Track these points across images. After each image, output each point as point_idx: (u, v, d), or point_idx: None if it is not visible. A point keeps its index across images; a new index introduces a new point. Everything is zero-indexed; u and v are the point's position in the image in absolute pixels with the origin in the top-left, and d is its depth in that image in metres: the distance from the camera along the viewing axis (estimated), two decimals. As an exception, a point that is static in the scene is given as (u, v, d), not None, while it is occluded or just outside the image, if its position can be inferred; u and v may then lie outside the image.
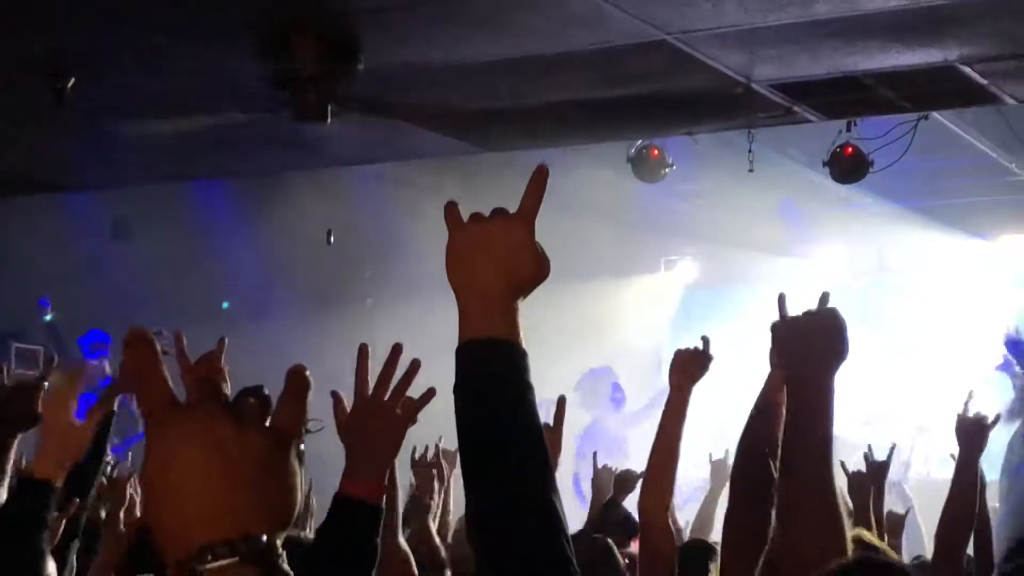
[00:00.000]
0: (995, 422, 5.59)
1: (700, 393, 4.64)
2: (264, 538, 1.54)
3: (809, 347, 2.67)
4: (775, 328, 2.80)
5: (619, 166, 11.96)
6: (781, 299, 3.24)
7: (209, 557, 1.51)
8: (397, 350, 3.16)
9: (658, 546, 4.50)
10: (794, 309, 3.59)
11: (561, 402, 4.05)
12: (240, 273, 14.05)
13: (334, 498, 2.99)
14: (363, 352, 3.15)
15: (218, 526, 1.53)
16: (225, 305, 13.93)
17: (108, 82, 8.55)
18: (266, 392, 1.66)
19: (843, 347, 2.69)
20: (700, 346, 4.63)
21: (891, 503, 6.88)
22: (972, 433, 5.43)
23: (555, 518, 1.94)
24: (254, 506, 1.55)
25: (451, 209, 2.13)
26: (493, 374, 2.01)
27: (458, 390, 2.03)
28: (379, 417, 3.07)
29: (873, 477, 6.18)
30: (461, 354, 2.03)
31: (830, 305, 3.02)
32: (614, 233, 15.67)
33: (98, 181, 11.79)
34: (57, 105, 8.29)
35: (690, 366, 4.61)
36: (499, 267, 2.05)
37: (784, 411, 2.93)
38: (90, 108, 8.91)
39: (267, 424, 1.61)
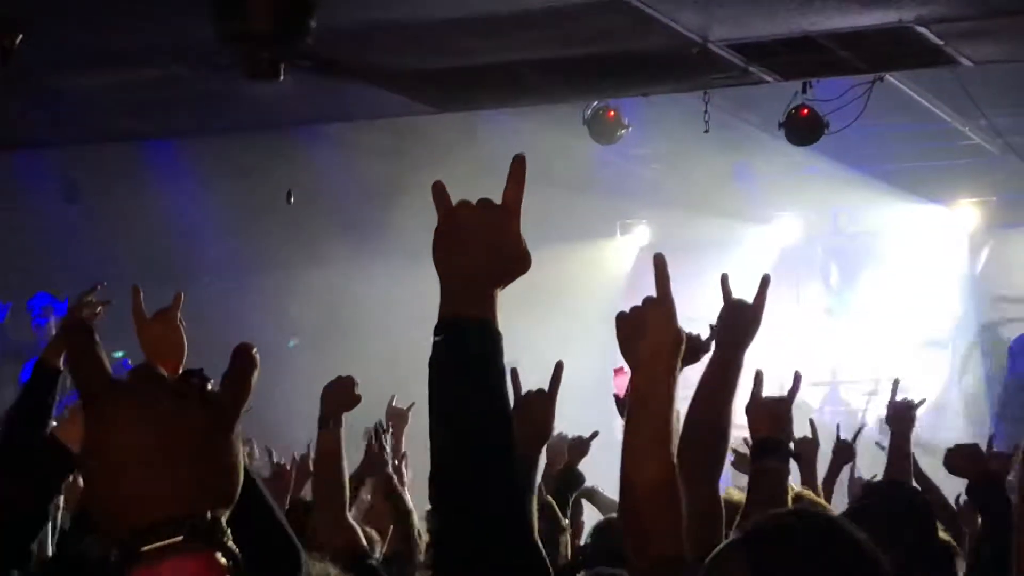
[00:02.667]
0: (921, 403, 6.15)
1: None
2: (208, 516, 1.51)
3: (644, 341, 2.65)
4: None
5: (574, 128, 11.93)
6: (724, 280, 3.55)
7: (152, 535, 1.48)
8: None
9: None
10: (749, 275, 3.62)
11: (558, 368, 4.01)
12: (193, 233, 13.94)
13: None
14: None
15: (160, 505, 1.50)
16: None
17: (57, 39, 8.44)
18: (206, 373, 1.64)
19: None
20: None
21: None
22: (902, 417, 6.00)
23: (516, 489, 2.06)
24: (196, 484, 1.53)
25: (440, 192, 2.21)
26: (469, 351, 2.12)
27: (434, 363, 2.13)
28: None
29: (842, 455, 6.85)
30: (440, 328, 2.14)
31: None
32: (569, 197, 15.66)
33: (48, 140, 11.67)
34: (4, 63, 8.18)
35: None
36: (485, 255, 2.17)
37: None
38: (39, 66, 8.79)
39: (209, 402, 1.59)
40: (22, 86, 9.46)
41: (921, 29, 8.23)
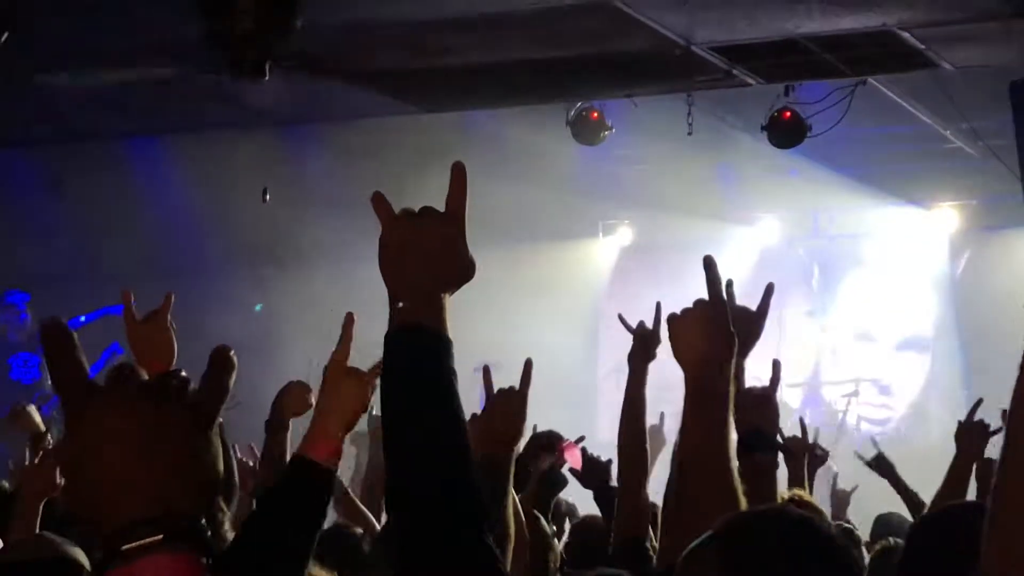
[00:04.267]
0: (997, 431, 5.54)
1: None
2: (188, 515, 1.56)
3: (700, 342, 2.68)
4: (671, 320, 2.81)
5: (558, 129, 11.94)
6: (729, 285, 3.23)
7: (133, 534, 1.53)
8: (350, 319, 3.20)
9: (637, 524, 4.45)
10: (731, 275, 3.64)
11: (528, 365, 4.03)
12: (173, 230, 13.90)
13: (291, 460, 2.98)
14: (349, 319, 3.21)
15: (140, 504, 1.54)
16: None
17: (42, 36, 8.43)
18: (184, 374, 1.67)
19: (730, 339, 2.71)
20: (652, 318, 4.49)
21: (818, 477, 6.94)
22: (974, 439, 5.43)
23: (471, 492, 2.06)
24: (176, 483, 1.56)
25: (380, 201, 2.20)
26: (419, 361, 2.11)
27: (385, 374, 2.14)
28: (351, 376, 3.05)
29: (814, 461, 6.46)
30: (390, 340, 2.14)
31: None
32: (552, 197, 15.68)
33: (31, 136, 11.64)
34: (-10, 59, 8.17)
35: (645, 349, 4.45)
36: (428, 264, 2.14)
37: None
38: (23, 62, 8.78)
39: (187, 403, 1.62)
40: (6, 83, 9.45)
41: (903, 33, 8.28)
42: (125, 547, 1.52)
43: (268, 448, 4.79)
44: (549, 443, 6.42)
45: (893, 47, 8.49)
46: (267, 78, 8.31)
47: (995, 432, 5.37)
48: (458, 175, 2.19)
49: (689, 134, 10.60)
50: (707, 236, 15.73)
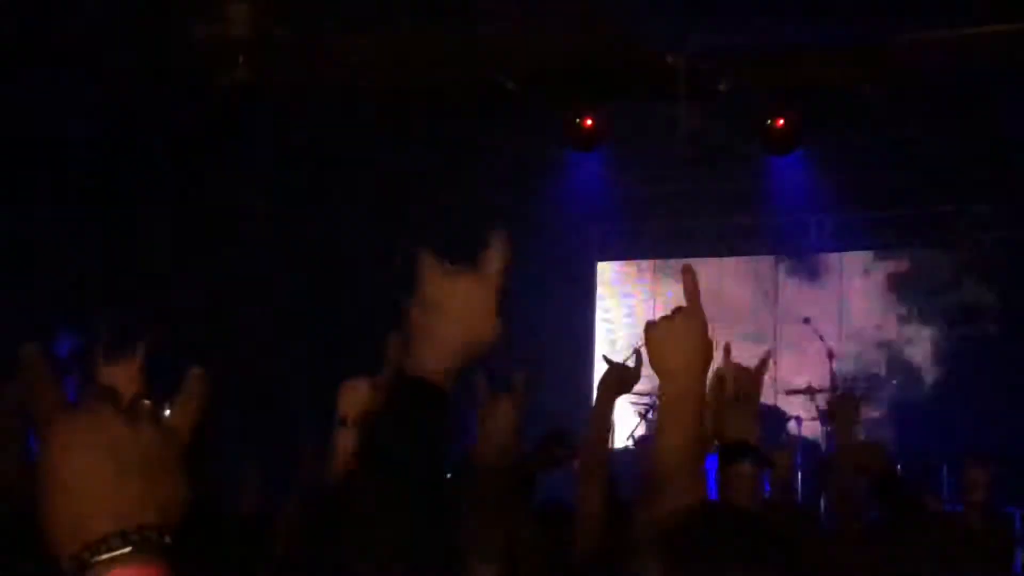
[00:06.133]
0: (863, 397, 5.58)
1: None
2: (157, 529, 1.60)
3: (677, 350, 2.71)
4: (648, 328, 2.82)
5: (551, 136, 12.02)
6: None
7: (102, 548, 1.56)
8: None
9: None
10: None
11: (517, 380, 4.00)
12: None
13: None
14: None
15: (111, 520, 1.58)
16: None
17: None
18: (159, 395, 1.74)
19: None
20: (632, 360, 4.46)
21: None
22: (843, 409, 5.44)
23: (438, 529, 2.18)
24: (147, 499, 1.61)
25: (427, 258, 2.26)
26: (421, 415, 2.21)
27: (385, 413, 2.24)
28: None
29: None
30: (401, 384, 2.24)
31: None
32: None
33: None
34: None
35: (619, 383, 4.43)
36: (460, 327, 2.22)
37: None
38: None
39: (159, 423, 1.68)
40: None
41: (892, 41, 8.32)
42: (95, 559, 1.56)
43: (339, 443, 4.72)
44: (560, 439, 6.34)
45: (879, 56, 8.54)
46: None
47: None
48: (500, 242, 2.24)
49: (681, 141, 10.66)
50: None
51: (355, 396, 4.73)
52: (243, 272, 11.70)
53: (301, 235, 12.61)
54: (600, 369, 4.52)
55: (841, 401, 5.41)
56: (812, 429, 12.94)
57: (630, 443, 11.75)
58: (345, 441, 4.66)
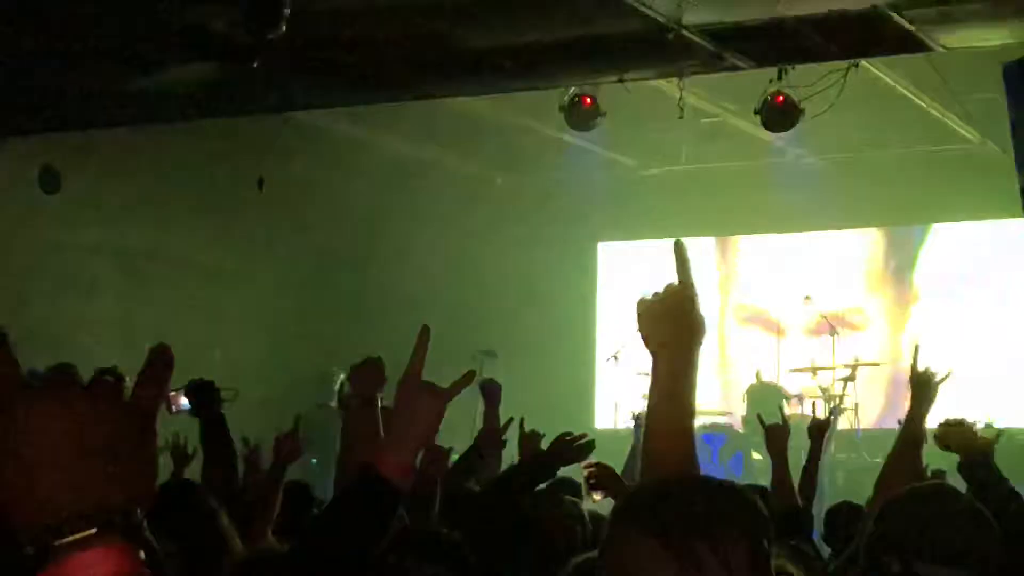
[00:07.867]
0: (945, 378, 5.31)
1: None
2: (123, 510, 1.57)
3: (668, 326, 2.70)
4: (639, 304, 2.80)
5: (550, 115, 12.01)
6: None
7: (66, 529, 1.54)
8: (425, 332, 2.94)
9: None
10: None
11: (492, 389, 3.98)
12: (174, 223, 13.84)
13: (361, 469, 2.79)
14: (424, 332, 2.94)
15: (74, 501, 1.55)
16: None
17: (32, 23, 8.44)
18: (119, 372, 1.71)
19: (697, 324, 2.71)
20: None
21: None
22: (923, 386, 5.08)
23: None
24: (111, 479, 1.58)
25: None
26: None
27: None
28: (426, 392, 2.83)
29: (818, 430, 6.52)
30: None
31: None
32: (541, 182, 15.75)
33: (23, 127, 11.60)
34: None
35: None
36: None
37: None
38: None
39: (123, 401, 1.64)
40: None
41: (892, 14, 8.26)
42: (57, 542, 1.53)
43: (353, 426, 4.63)
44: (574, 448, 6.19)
45: (883, 29, 8.45)
46: (256, 65, 8.33)
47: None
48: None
49: (680, 118, 10.63)
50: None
51: (370, 376, 4.71)
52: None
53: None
54: (600, 349, 4.50)
55: (922, 376, 5.25)
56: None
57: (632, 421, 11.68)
58: (371, 422, 4.58)
